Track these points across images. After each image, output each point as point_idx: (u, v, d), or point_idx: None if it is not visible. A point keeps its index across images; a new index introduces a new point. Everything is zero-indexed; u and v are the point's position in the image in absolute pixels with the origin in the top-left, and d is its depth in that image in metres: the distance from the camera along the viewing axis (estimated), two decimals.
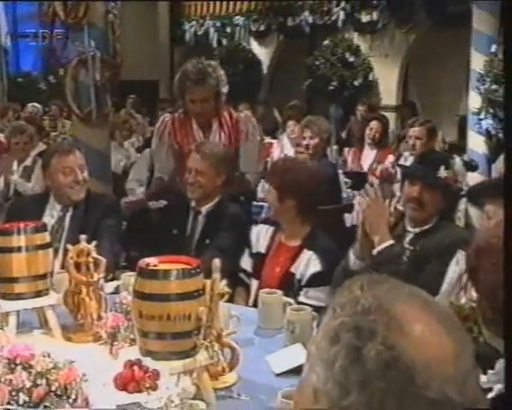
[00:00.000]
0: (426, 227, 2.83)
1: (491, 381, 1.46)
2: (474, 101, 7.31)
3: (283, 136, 6.98)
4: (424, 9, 8.97)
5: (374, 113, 7.34)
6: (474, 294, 1.77)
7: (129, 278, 2.53)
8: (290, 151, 5.99)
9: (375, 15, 9.74)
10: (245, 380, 2.06)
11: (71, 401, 1.68)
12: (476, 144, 7.61)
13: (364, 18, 9.87)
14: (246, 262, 3.12)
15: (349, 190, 5.25)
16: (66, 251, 2.41)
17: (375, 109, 7.94)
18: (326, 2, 10.20)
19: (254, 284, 3.05)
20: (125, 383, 1.65)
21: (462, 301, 2.23)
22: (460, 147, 7.56)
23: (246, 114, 3.79)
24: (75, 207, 3.31)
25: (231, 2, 11.94)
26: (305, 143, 4.84)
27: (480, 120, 7.01)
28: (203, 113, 3.68)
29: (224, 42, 11.92)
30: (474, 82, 7.42)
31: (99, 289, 2.33)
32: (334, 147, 7.05)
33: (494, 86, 6.74)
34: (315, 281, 2.86)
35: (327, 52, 9.81)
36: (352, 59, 9.74)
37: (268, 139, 7.17)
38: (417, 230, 2.85)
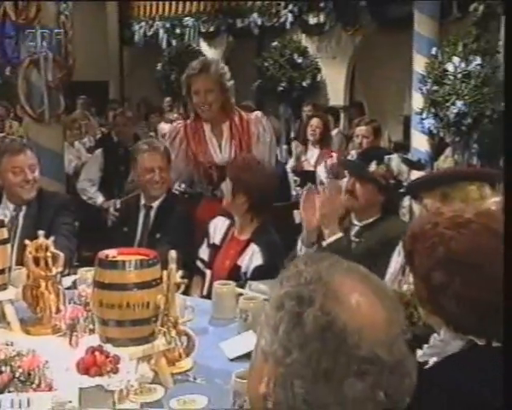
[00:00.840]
0: (370, 220, 2.98)
1: (427, 354, 1.61)
2: (417, 101, 7.45)
3: None
4: (368, 11, 9.20)
5: (316, 111, 7.47)
6: (411, 279, 1.90)
7: (85, 272, 2.61)
8: None
9: (322, 18, 9.92)
10: (200, 365, 2.15)
11: (34, 386, 1.76)
12: (420, 143, 7.81)
13: (312, 20, 10.04)
14: (204, 252, 3.22)
15: (298, 189, 5.40)
16: (22, 248, 2.46)
17: (319, 109, 8.03)
18: (274, 4, 10.34)
19: (208, 274, 3.15)
20: (87, 367, 1.72)
21: (404, 287, 2.39)
22: (405, 146, 7.80)
23: (256, 115, 3.76)
24: (28, 206, 3.34)
25: (180, 3, 11.92)
26: None
27: (423, 119, 7.20)
28: (208, 105, 3.62)
29: (174, 43, 11.92)
30: (416, 83, 7.60)
31: (57, 283, 2.39)
32: (284, 147, 7.21)
33: (435, 87, 6.93)
34: (258, 274, 2.95)
35: (275, 53, 9.93)
36: (300, 60, 9.88)
37: None
38: (362, 223, 2.99)
